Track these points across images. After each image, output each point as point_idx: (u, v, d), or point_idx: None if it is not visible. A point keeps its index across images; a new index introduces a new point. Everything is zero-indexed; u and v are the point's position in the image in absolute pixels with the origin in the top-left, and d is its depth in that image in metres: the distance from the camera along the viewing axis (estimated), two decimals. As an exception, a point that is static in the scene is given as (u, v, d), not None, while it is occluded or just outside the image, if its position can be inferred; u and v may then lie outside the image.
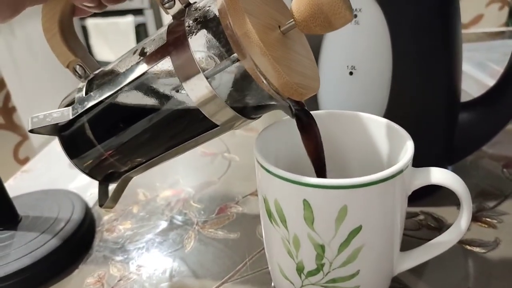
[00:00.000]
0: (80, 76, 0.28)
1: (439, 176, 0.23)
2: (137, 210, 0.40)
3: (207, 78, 0.22)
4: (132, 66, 0.24)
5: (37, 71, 1.96)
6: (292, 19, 0.21)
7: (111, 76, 0.26)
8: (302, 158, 0.26)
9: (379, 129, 0.27)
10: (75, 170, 0.29)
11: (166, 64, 0.23)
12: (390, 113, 0.33)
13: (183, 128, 0.26)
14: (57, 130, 0.27)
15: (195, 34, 0.22)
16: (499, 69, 0.54)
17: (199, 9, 0.23)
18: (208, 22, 0.22)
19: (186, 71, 0.22)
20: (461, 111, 0.36)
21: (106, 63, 0.28)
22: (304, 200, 0.21)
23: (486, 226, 0.33)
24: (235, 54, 0.21)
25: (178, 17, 0.23)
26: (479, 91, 0.54)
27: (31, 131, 0.26)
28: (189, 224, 0.37)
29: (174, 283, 0.30)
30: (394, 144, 0.26)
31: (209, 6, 0.22)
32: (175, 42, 0.22)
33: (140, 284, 0.31)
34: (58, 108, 0.27)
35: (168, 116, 0.24)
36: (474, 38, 0.72)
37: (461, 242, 0.31)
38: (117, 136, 0.26)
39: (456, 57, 0.34)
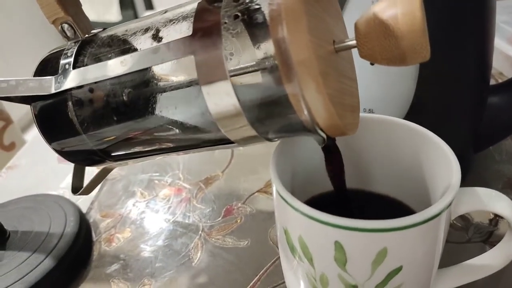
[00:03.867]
0: (68, 38, 0.23)
1: (488, 201, 0.20)
2: (136, 214, 0.36)
3: (236, 94, 0.18)
4: (141, 50, 0.20)
5: (19, 50, 1.79)
6: (354, 41, 0.17)
7: (110, 51, 0.21)
8: (321, 169, 0.23)
9: (411, 136, 0.24)
10: (65, 165, 0.25)
11: (187, 63, 0.18)
12: (417, 100, 0.29)
13: (188, 134, 0.22)
14: (30, 98, 0.22)
15: (232, 35, 0.17)
16: (519, 34, 0.50)
17: (242, 2, 0.18)
18: (252, 25, 0.17)
19: (212, 79, 0.18)
20: (490, 95, 0.33)
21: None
22: (336, 242, 0.18)
23: (517, 224, 0.31)
24: (279, 73, 0.16)
25: (213, 1, 0.18)
26: (497, 58, 0.50)
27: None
28: (194, 230, 0.34)
29: (184, 306, 0.28)
30: (430, 157, 0.23)
31: (256, 2, 0.17)
32: (204, 37, 0.18)
33: (147, 307, 0.28)
34: (36, 70, 0.22)
35: (173, 120, 0.20)
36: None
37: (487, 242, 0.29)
38: (108, 129, 0.22)
39: (488, 34, 0.30)
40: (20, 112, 1.17)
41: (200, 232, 0.34)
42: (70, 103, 0.21)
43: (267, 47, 0.17)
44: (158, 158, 0.24)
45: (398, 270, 0.19)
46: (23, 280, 0.28)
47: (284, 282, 0.28)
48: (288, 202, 0.19)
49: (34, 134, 0.52)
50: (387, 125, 0.24)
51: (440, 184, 0.21)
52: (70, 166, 0.43)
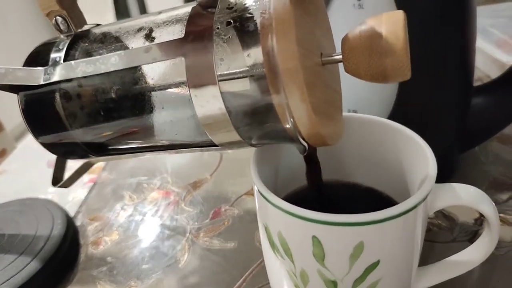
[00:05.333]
0: (61, 31, 0.23)
1: (465, 196, 0.20)
2: (124, 217, 0.36)
3: (223, 98, 0.18)
4: (133, 49, 0.20)
5: (10, 52, 1.78)
6: (340, 55, 0.18)
7: (102, 47, 0.21)
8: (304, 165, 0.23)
9: (391, 134, 0.24)
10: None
11: (177, 64, 0.19)
12: (401, 101, 0.30)
13: (173, 135, 0.22)
14: (17, 87, 0.22)
15: (223, 41, 0.18)
16: (506, 38, 0.50)
17: (236, 10, 0.18)
18: (243, 32, 0.18)
19: (200, 82, 0.18)
20: (474, 96, 0.33)
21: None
22: (314, 237, 0.18)
23: (501, 223, 0.31)
24: (265, 82, 0.17)
25: (207, 6, 0.19)
26: (484, 62, 0.51)
27: None
28: (181, 232, 0.34)
29: (169, 307, 0.28)
30: (408, 153, 0.23)
31: (249, 11, 0.18)
32: (195, 41, 0.18)
33: (132, 309, 0.28)
34: (26, 60, 0.22)
35: (161, 119, 0.21)
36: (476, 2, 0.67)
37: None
38: (94, 124, 0.22)
39: (470, 35, 0.30)
40: (15, 121, 1.17)
41: (187, 234, 0.34)
42: (57, 96, 0.21)
43: (256, 55, 0.17)
44: (144, 157, 0.25)
45: (375, 264, 0.19)
46: (9, 282, 0.28)
47: (269, 283, 0.28)
48: (266, 198, 0.19)
49: (25, 141, 0.52)
50: (368, 123, 0.25)
51: (418, 178, 0.21)
52: (59, 171, 0.44)
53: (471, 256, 0.23)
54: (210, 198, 0.37)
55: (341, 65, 0.19)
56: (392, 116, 0.30)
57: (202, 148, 0.22)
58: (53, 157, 0.37)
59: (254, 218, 0.34)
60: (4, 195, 0.39)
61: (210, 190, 0.38)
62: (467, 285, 0.26)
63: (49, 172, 0.44)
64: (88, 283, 0.30)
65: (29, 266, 0.30)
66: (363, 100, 0.31)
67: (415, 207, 0.18)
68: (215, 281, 0.29)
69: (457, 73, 0.31)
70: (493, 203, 0.20)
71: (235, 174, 0.40)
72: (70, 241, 0.33)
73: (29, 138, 0.53)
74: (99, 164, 0.45)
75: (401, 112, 0.30)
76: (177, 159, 0.44)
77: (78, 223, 0.36)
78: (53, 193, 0.41)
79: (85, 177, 0.43)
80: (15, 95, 0.22)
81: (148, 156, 0.24)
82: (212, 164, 0.42)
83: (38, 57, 0.22)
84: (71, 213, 0.37)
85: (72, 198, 0.40)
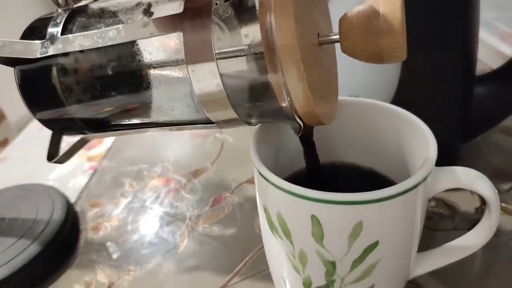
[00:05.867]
0: (58, 5, 0.23)
1: (465, 178, 0.20)
2: (124, 204, 0.36)
3: (220, 74, 0.18)
4: (131, 24, 0.20)
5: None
6: (338, 35, 0.18)
7: (100, 22, 0.21)
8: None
9: (391, 118, 0.24)
10: None
11: (175, 39, 0.19)
12: (402, 90, 0.29)
13: (169, 111, 0.22)
14: (14, 61, 0.22)
15: (222, 17, 0.18)
16: (510, 31, 0.50)
17: None
18: (242, 9, 0.18)
19: (198, 57, 0.18)
20: (477, 85, 0.33)
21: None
22: (313, 216, 0.18)
23: (502, 212, 0.31)
24: (263, 59, 0.17)
25: None
26: (488, 55, 0.51)
27: None
28: (181, 219, 0.34)
29: (168, 290, 0.28)
30: (409, 135, 0.23)
31: None
32: (194, 17, 0.18)
33: (131, 292, 0.28)
34: (23, 34, 0.22)
35: (158, 95, 0.20)
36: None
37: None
38: (91, 99, 0.22)
39: (473, 24, 0.30)
40: (18, 114, 1.17)
41: (187, 220, 0.34)
42: (54, 70, 0.21)
43: (254, 32, 0.17)
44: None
45: (374, 245, 0.19)
46: (9, 264, 0.28)
47: (269, 269, 0.28)
48: (265, 177, 0.19)
49: (26, 130, 0.53)
50: (369, 107, 0.25)
51: (419, 161, 0.21)
52: (60, 158, 0.44)
53: (471, 241, 0.22)
54: (211, 185, 0.37)
55: (338, 47, 0.19)
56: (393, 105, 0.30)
57: (198, 125, 0.22)
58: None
59: (254, 205, 0.34)
60: (5, 182, 0.39)
61: (211, 178, 0.38)
62: (468, 274, 0.26)
63: (50, 160, 0.44)
64: (88, 267, 0.30)
65: (29, 249, 0.30)
66: (364, 87, 0.31)
67: (414, 187, 0.18)
68: (214, 266, 0.29)
69: (460, 62, 0.31)
70: (494, 186, 0.20)
71: (235, 163, 0.40)
72: (70, 225, 0.33)
73: (31, 127, 0.53)
74: (100, 151, 0.45)
75: (402, 101, 0.30)
76: (178, 148, 0.44)
77: (78, 209, 0.36)
78: (53, 180, 0.41)
79: (86, 165, 0.43)
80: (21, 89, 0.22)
81: (144, 133, 0.24)
82: (213, 153, 0.42)
83: (36, 31, 0.22)
84: (72, 200, 0.37)
85: (72, 185, 0.40)
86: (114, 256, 0.31)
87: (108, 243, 0.32)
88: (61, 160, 0.25)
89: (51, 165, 0.43)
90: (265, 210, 0.21)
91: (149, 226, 0.34)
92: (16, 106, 0.25)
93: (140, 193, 0.38)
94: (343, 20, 0.18)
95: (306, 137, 0.22)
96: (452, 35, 0.29)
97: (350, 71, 0.29)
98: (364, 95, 0.31)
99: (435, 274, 0.26)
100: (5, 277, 0.28)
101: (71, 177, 0.41)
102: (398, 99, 0.30)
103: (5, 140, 0.69)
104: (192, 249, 0.31)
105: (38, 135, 0.51)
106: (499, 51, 0.48)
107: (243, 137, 0.44)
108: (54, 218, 0.32)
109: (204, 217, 0.34)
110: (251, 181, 0.37)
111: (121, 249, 0.32)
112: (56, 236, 0.31)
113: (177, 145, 0.44)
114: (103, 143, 0.46)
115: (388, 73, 0.30)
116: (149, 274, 0.29)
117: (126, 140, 0.46)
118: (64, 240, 0.32)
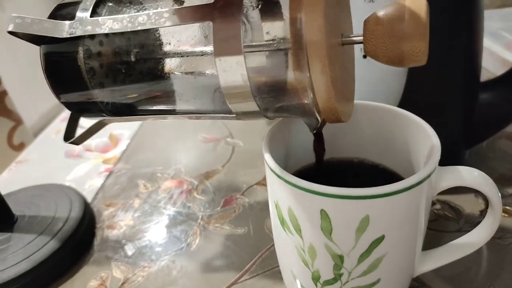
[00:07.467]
0: None
1: (468, 177, 0.21)
2: (138, 204, 0.38)
3: (246, 65, 0.18)
4: (161, 10, 0.20)
5: (30, 48, 1.84)
6: (361, 37, 0.19)
7: (130, 7, 0.21)
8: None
9: (398, 119, 0.25)
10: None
11: (204, 29, 0.19)
12: (407, 96, 0.30)
13: (192, 98, 0.22)
14: (41, 39, 0.22)
15: (252, 9, 0.18)
16: (516, 40, 0.51)
17: None
18: (272, 2, 0.18)
19: (226, 48, 0.18)
20: (481, 91, 0.34)
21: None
22: (322, 210, 0.19)
23: (506, 215, 0.31)
24: (289, 52, 0.18)
25: None
26: (494, 64, 0.52)
27: (11, 32, 0.22)
28: (194, 218, 0.35)
29: (181, 286, 0.29)
30: (414, 136, 0.24)
31: None
32: (224, 8, 0.18)
33: None
34: (51, 13, 0.22)
35: (181, 83, 0.21)
36: (486, 4, 0.68)
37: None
38: (114, 83, 0.22)
39: (477, 32, 0.31)
40: (33, 117, 1.20)
41: (199, 220, 0.35)
42: (80, 51, 0.21)
43: (283, 25, 0.18)
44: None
45: (380, 239, 0.20)
46: (30, 259, 0.30)
47: (278, 266, 0.29)
48: (277, 174, 0.20)
49: (44, 134, 0.54)
50: (377, 109, 0.26)
51: (424, 160, 0.22)
52: (77, 161, 0.45)
53: (474, 238, 0.23)
54: (222, 187, 0.38)
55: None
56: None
57: (217, 115, 0.23)
58: (71, 148, 0.38)
59: (264, 207, 0.35)
60: (23, 183, 0.41)
61: (222, 180, 0.39)
62: (473, 275, 0.27)
63: (67, 163, 0.45)
64: (104, 263, 0.32)
65: (48, 245, 0.31)
66: (369, 94, 0.32)
67: (419, 183, 0.19)
68: (225, 263, 0.30)
69: (464, 68, 0.32)
70: (495, 184, 0.21)
71: (246, 166, 0.41)
72: (87, 223, 0.34)
73: (48, 131, 0.55)
74: (115, 154, 0.46)
75: (408, 106, 0.31)
76: (191, 151, 0.45)
77: (94, 208, 0.38)
78: (70, 181, 0.42)
79: (101, 167, 0.44)
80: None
81: (162, 119, 0.24)
82: (224, 156, 0.43)
83: (64, 11, 0.22)
84: (88, 199, 0.38)
85: (88, 186, 0.41)
86: (129, 253, 0.32)
87: (123, 241, 0.33)
88: (77, 141, 0.25)
89: (69, 166, 0.45)
90: (276, 206, 0.22)
91: (162, 225, 0.35)
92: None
93: (154, 194, 0.39)
94: (368, 22, 0.19)
95: (319, 133, 0.23)
96: (457, 40, 0.30)
97: (357, 78, 0.31)
98: (371, 101, 0.32)
99: (441, 274, 0.27)
100: (25, 272, 0.29)
101: (87, 179, 0.42)
102: (404, 105, 0.31)
103: (21, 144, 0.71)
104: (204, 248, 0.32)
105: (55, 137, 0.52)
106: (505, 59, 0.49)
107: (254, 141, 0.45)
108: (72, 216, 0.34)
109: (216, 217, 0.35)
110: (261, 183, 0.38)
111: (136, 246, 0.33)
112: (74, 233, 0.32)
113: (189, 149, 0.46)
114: (118, 147, 0.48)
115: (394, 80, 0.31)
116: (163, 271, 0.30)
117: (140, 143, 0.48)
118: (81, 237, 0.33)
